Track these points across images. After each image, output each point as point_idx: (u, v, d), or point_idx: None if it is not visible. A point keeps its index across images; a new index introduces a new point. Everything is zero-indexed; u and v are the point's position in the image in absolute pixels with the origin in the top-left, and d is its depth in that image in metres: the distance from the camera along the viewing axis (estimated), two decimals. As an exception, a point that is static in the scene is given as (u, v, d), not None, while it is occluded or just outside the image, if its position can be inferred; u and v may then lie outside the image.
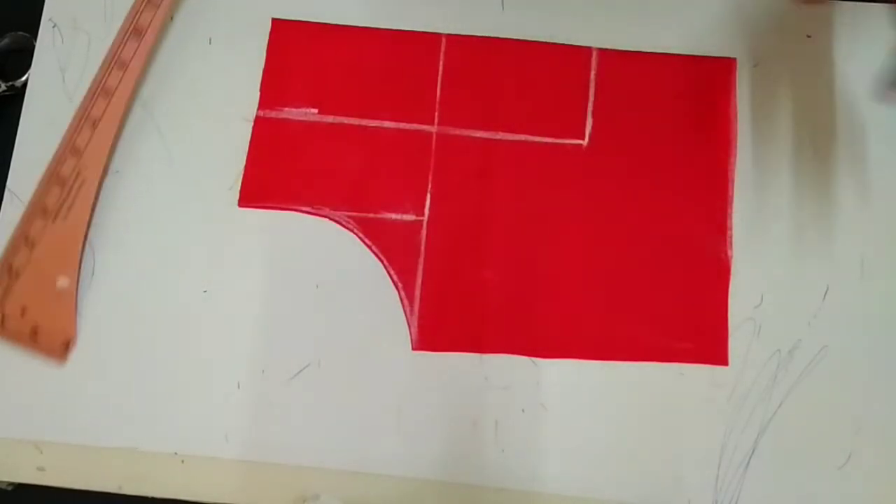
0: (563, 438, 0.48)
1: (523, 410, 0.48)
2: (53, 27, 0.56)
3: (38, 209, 0.51)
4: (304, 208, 0.51)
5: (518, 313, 0.50)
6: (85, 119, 0.52)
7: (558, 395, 0.49)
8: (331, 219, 0.51)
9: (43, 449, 0.49)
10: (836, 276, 0.50)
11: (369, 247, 0.51)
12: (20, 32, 0.56)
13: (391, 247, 0.51)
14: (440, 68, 0.54)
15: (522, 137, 0.53)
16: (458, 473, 0.48)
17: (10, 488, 0.49)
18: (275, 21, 0.55)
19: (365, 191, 0.52)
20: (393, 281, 0.50)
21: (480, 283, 0.50)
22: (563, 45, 0.54)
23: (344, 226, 0.51)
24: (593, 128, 0.53)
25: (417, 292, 0.50)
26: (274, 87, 0.54)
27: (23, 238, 0.51)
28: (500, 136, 0.53)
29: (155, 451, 0.48)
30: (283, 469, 0.48)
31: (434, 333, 0.50)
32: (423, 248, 0.51)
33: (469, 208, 0.52)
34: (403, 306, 0.50)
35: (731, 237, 0.51)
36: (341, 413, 0.49)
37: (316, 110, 0.53)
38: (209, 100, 0.54)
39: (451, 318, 0.50)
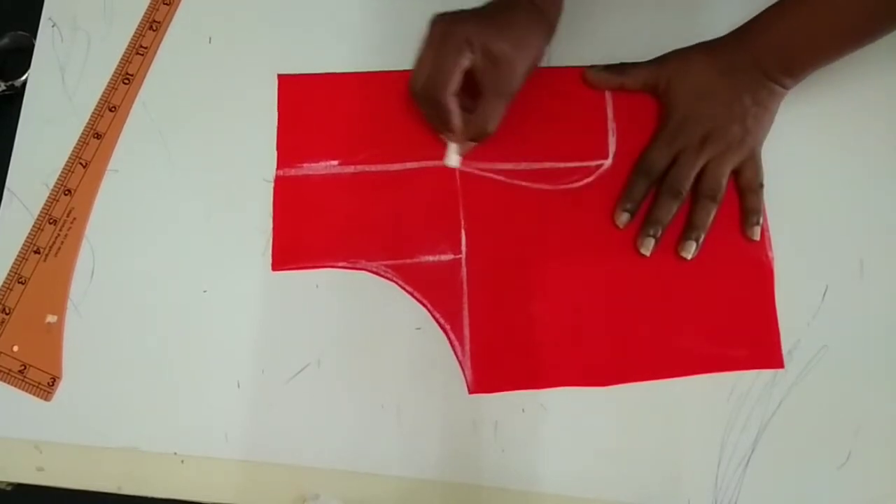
0: (563, 438, 0.48)
1: (523, 410, 0.48)
2: (53, 26, 0.56)
3: (32, 248, 0.51)
4: (339, 264, 0.50)
5: (570, 343, 0.49)
6: (77, 160, 0.52)
7: (558, 395, 0.48)
8: (368, 270, 0.50)
9: (43, 449, 0.49)
10: (836, 276, 0.50)
11: (411, 293, 0.50)
12: (20, 32, 0.56)
13: (433, 290, 0.50)
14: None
15: (547, 165, 0.52)
16: (458, 473, 0.48)
17: (9, 488, 0.49)
18: (281, 77, 0.54)
19: (398, 237, 0.51)
20: (440, 325, 0.49)
21: (528, 317, 0.49)
22: (575, 67, 0.54)
23: (382, 276, 0.50)
24: (617, 146, 0.52)
25: (466, 333, 0.49)
26: (290, 144, 0.52)
27: (16, 277, 0.51)
28: (524, 165, 0.52)
29: (155, 451, 0.48)
30: (283, 469, 0.48)
31: (489, 374, 0.48)
32: (465, 287, 0.50)
33: (505, 241, 0.51)
34: (454, 349, 0.49)
35: (769, 238, 0.51)
36: (341, 413, 0.49)
37: (336, 162, 0.52)
38: (226, 164, 0.53)
39: (504, 356, 0.49)
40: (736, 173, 0.51)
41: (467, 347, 0.49)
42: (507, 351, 0.49)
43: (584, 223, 0.51)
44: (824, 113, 0.53)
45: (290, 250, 0.51)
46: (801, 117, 0.53)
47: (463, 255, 0.50)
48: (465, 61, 0.47)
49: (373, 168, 0.52)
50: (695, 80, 0.51)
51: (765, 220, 0.51)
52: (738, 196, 0.51)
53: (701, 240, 0.50)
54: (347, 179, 0.52)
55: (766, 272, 0.50)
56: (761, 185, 0.51)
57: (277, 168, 0.52)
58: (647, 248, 0.50)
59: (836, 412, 0.48)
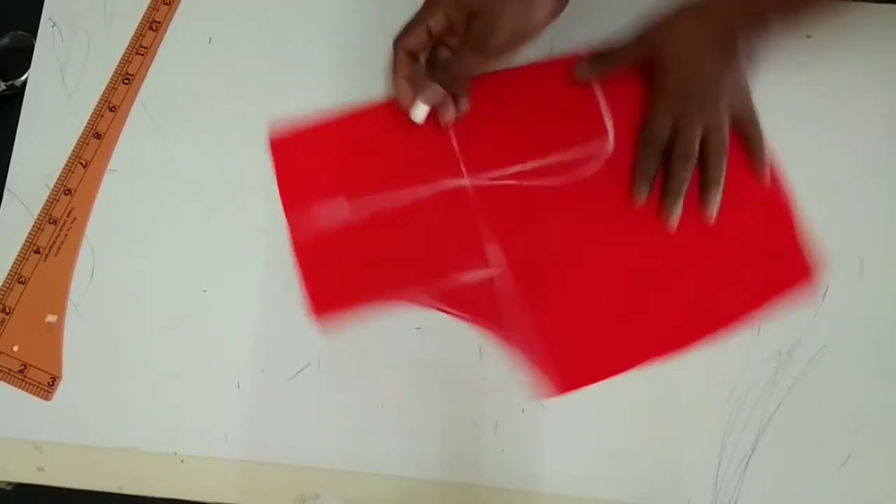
0: (563, 438, 0.48)
1: (523, 410, 0.48)
2: (53, 26, 0.56)
3: (32, 248, 0.51)
4: (377, 302, 0.50)
5: (633, 320, 0.49)
6: (77, 160, 0.52)
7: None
8: (408, 301, 0.50)
9: (43, 449, 0.49)
10: (836, 276, 0.50)
11: (459, 317, 0.49)
12: (20, 32, 0.56)
13: (481, 308, 0.49)
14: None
15: (553, 159, 0.52)
16: (458, 473, 0.48)
17: (9, 488, 0.49)
18: (273, 142, 0.52)
19: (428, 263, 0.50)
20: (503, 340, 0.49)
21: (585, 307, 0.49)
22: (558, 58, 0.54)
23: (424, 304, 0.50)
24: (615, 125, 0.52)
25: (534, 339, 0.49)
26: (296, 199, 0.51)
27: (16, 277, 0.51)
28: (531, 165, 0.52)
29: (155, 451, 0.48)
30: (283, 469, 0.48)
31: (569, 372, 0.48)
32: (516, 297, 0.49)
33: (530, 241, 0.51)
34: (525, 358, 0.49)
35: (780, 173, 0.51)
36: (341, 413, 0.49)
37: (347, 205, 0.51)
38: (226, 164, 0.53)
39: (581, 350, 0.49)
40: (733, 123, 0.51)
41: (541, 353, 0.49)
42: (581, 344, 0.49)
43: (600, 211, 0.51)
44: (824, 113, 0.53)
45: (326, 299, 0.49)
46: (801, 117, 0.53)
47: (498, 266, 0.50)
48: (434, 23, 0.47)
49: (383, 201, 0.51)
50: (683, 42, 0.51)
51: (773, 159, 0.51)
52: (740, 139, 0.51)
53: (720, 194, 0.50)
54: (361, 217, 0.51)
55: (783, 206, 0.51)
56: (757, 125, 0.51)
57: (291, 232, 0.51)
58: (675, 216, 0.50)
59: (836, 412, 0.48)
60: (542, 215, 0.51)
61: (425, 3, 0.48)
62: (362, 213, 0.51)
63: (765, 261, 0.50)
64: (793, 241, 0.50)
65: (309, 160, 0.52)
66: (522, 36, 0.48)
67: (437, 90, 0.49)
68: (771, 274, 0.50)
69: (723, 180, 0.50)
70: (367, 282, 0.50)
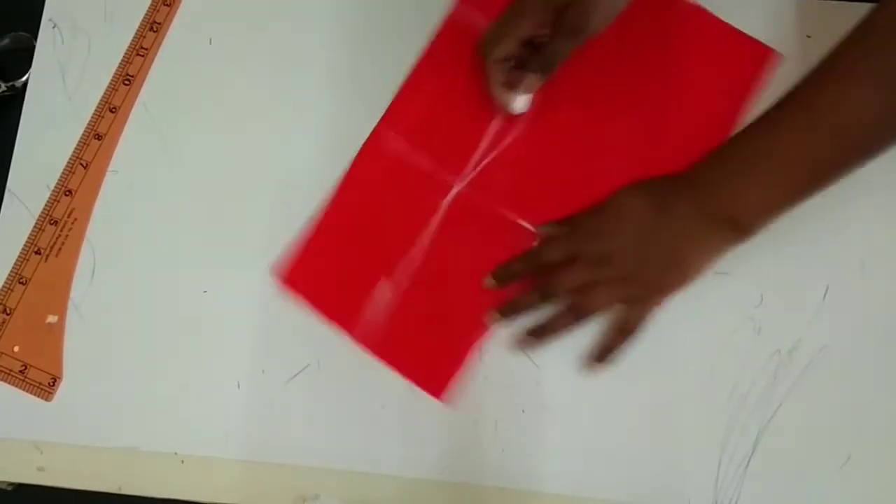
0: (563, 438, 0.48)
1: (523, 410, 0.48)
2: (53, 27, 0.56)
3: (32, 249, 0.51)
4: (480, 343, 0.49)
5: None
6: (77, 160, 0.53)
7: (558, 395, 0.48)
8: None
9: (43, 449, 0.49)
10: (836, 276, 0.50)
11: None
12: (20, 32, 0.56)
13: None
14: (391, 155, 0.52)
15: (500, 112, 0.52)
16: (458, 473, 0.48)
17: (10, 488, 0.49)
18: (283, 279, 0.50)
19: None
20: None
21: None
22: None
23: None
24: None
25: None
26: (343, 313, 0.50)
27: (17, 277, 0.51)
28: (490, 130, 0.52)
29: (155, 451, 0.48)
30: (283, 469, 0.48)
31: None
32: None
33: (541, 189, 0.51)
34: None
35: None
36: (341, 413, 0.49)
37: (385, 282, 0.50)
38: (226, 164, 0.53)
39: None
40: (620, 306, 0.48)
41: None
42: None
43: (574, 109, 0.53)
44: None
45: (439, 378, 0.49)
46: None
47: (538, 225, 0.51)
48: (525, 31, 0.47)
49: (417, 257, 0.51)
50: (628, 199, 0.49)
51: None
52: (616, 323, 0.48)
53: (541, 345, 0.49)
54: (414, 288, 0.50)
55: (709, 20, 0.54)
56: (632, 331, 0.48)
57: (358, 341, 0.49)
58: (494, 320, 0.49)
59: (836, 412, 0.48)
60: (531, 161, 0.52)
61: (512, 11, 0.47)
62: (405, 280, 0.50)
63: (727, 66, 0.53)
64: (738, 37, 0.53)
65: (324, 270, 0.51)
66: (615, 10, 0.48)
67: (535, 80, 0.50)
68: (738, 69, 0.53)
69: (557, 337, 0.48)
70: (460, 337, 0.49)
